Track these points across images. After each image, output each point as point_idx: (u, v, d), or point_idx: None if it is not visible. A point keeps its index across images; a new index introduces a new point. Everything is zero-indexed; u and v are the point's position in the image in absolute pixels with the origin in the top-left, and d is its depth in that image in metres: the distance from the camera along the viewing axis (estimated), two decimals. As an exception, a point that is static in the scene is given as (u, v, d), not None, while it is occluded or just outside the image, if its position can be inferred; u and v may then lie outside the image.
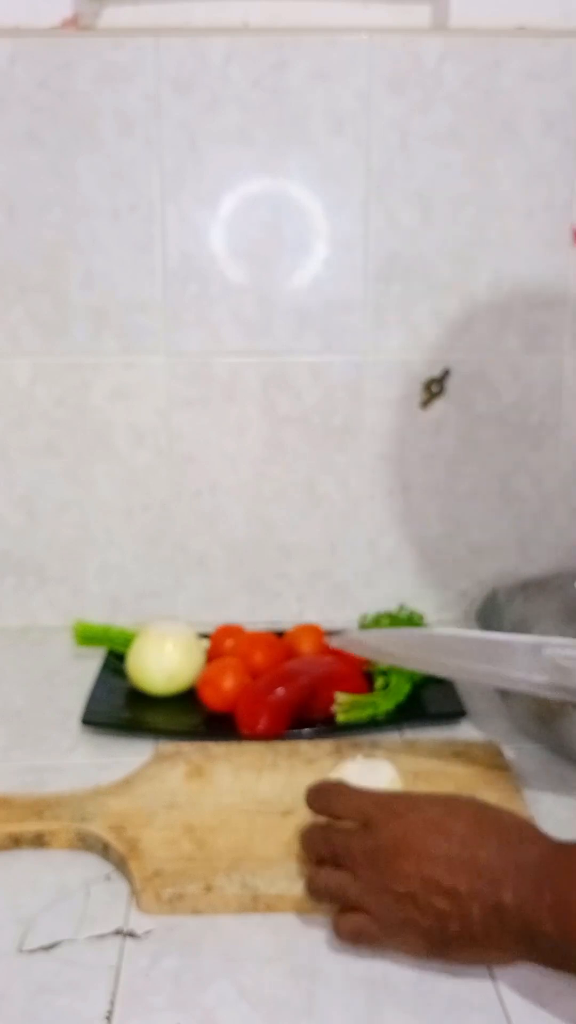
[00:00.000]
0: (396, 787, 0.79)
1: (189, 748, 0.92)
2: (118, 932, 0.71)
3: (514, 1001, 0.65)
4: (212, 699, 1.01)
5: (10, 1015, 0.64)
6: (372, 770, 0.81)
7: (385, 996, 0.65)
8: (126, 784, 0.86)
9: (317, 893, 0.70)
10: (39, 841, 0.80)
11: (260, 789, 0.86)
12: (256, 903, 0.72)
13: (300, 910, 0.72)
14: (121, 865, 0.77)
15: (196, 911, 0.72)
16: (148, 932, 0.71)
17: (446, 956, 0.66)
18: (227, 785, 0.87)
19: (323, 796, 0.74)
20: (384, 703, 1.00)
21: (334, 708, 0.99)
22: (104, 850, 0.79)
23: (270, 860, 0.76)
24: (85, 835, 0.80)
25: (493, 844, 0.65)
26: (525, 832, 0.67)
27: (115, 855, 0.78)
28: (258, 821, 0.81)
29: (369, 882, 0.67)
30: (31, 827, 0.80)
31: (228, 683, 1.01)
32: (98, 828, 0.80)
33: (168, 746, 0.92)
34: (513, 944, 0.63)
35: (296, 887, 0.73)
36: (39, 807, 0.83)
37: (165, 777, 0.88)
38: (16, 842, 0.80)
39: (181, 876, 0.74)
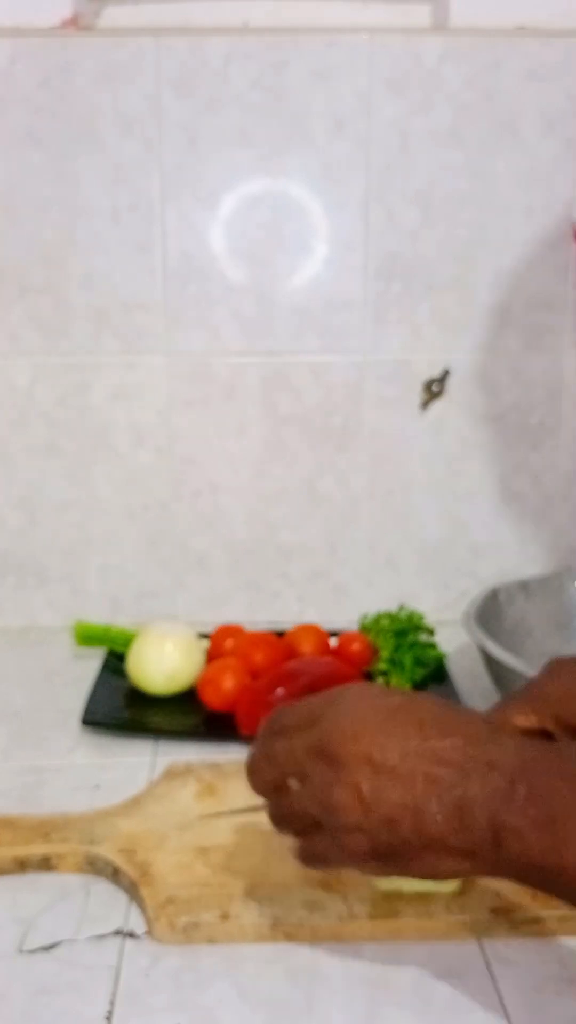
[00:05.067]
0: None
1: (200, 765, 0.90)
2: (118, 932, 0.71)
3: (514, 1001, 0.65)
4: (212, 699, 1.01)
5: (10, 1015, 0.64)
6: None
7: (385, 996, 0.65)
8: (135, 804, 0.84)
9: (275, 822, 0.65)
10: (46, 864, 0.77)
11: None
12: (275, 932, 0.70)
13: (320, 939, 0.70)
14: (132, 891, 0.74)
15: (212, 940, 0.70)
16: (147, 932, 0.71)
17: (395, 865, 0.60)
18: (240, 804, 0.82)
19: (281, 715, 0.66)
20: (384, 703, 1.00)
21: (334, 708, 0.99)
22: (114, 875, 0.76)
23: (288, 885, 0.73)
24: (94, 859, 0.77)
25: (458, 738, 0.58)
26: (498, 731, 0.60)
27: (126, 880, 0.75)
28: (273, 843, 0.78)
29: (315, 782, 0.60)
30: (38, 850, 0.78)
31: (228, 683, 1.01)
32: (107, 851, 0.77)
33: (178, 763, 0.90)
34: (474, 847, 0.57)
35: (315, 915, 0.70)
36: (46, 828, 0.80)
37: (176, 796, 0.85)
38: (22, 866, 0.77)
39: (196, 903, 0.71)
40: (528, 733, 0.69)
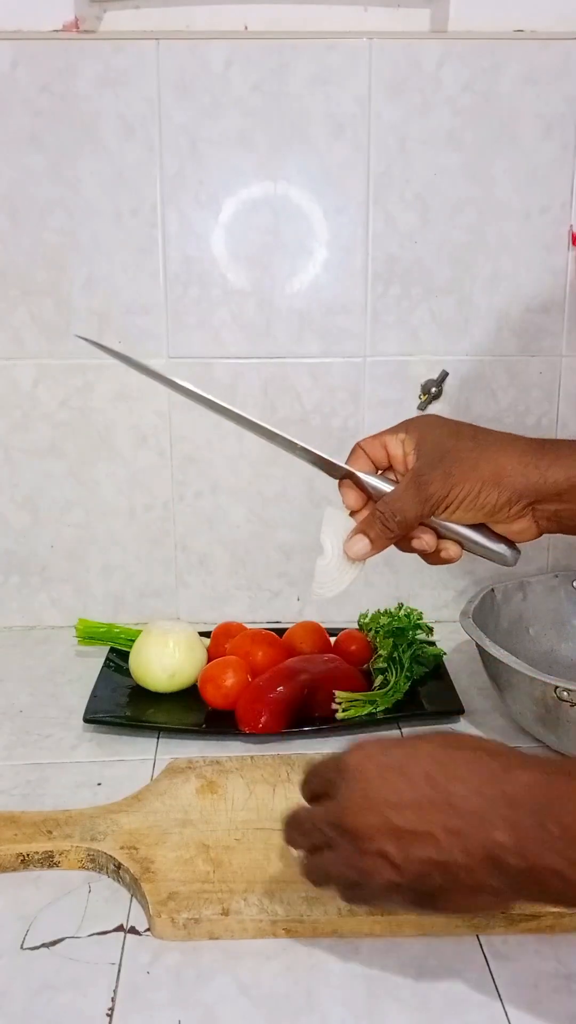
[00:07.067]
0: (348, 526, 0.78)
1: (201, 762, 0.91)
2: (120, 928, 0.72)
3: (512, 996, 0.66)
4: (213, 697, 1.02)
5: (12, 1012, 0.65)
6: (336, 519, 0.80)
7: (384, 991, 0.66)
8: (137, 800, 0.85)
9: (314, 883, 0.66)
10: (49, 861, 0.79)
11: (275, 805, 0.84)
12: (275, 928, 0.71)
13: (320, 934, 0.71)
14: (134, 887, 0.75)
15: (212, 936, 0.71)
16: (149, 928, 0.72)
17: (435, 908, 0.61)
18: (241, 801, 0.85)
19: (304, 785, 0.68)
20: (383, 701, 1.01)
21: (334, 706, 1.00)
22: (116, 871, 0.77)
23: (287, 881, 0.74)
24: (96, 855, 0.78)
25: (470, 779, 0.59)
26: (511, 759, 0.60)
27: (127, 876, 0.76)
28: (274, 839, 0.79)
29: (345, 851, 0.62)
30: (40, 846, 0.79)
31: (229, 681, 1.01)
32: (109, 848, 0.78)
33: (179, 760, 0.91)
34: (513, 887, 0.57)
35: (315, 910, 0.71)
36: (48, 825, 0.81)
37: (177, 792, 0.86)
38: (24, 862, 0.78)
39: (197, 899, 0.72)
40: (391, 458, 0.78)
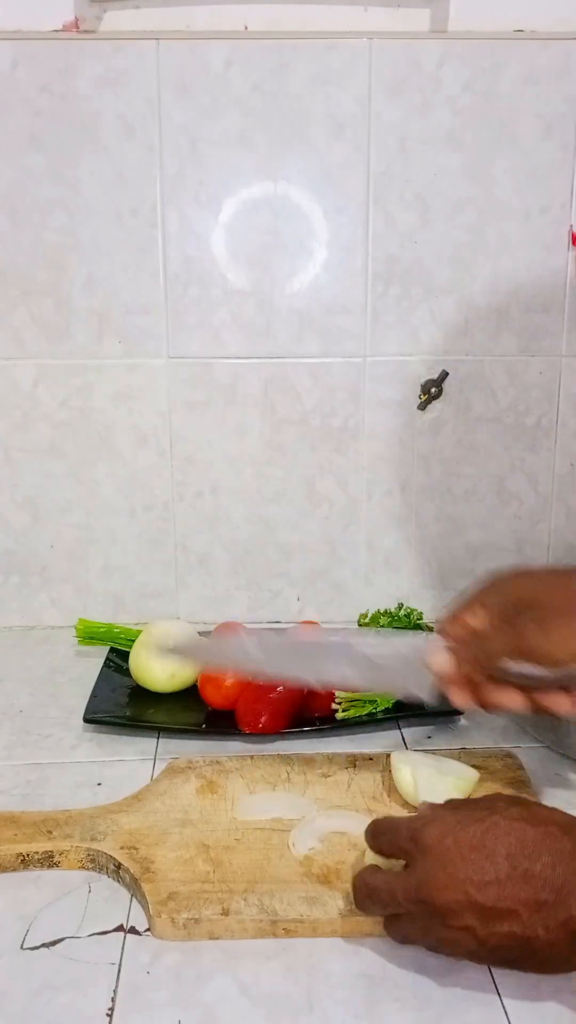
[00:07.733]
0: None
1: (201, 762, 0.91)
2: (120, 928, 0.72)
3: (512, 996, 0.66)
4: (213, 697, 1.02)
5: (12, 1012, 0.65)
6: None
7: (384, 992, 0.66)
8: (137, 800, 0.85)
9: (394, 938, 0.67)
10: (49, 861, 0.78)
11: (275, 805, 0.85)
12: (275, 928, 0.71)
13: (320, 934, 0.71)
14: (134, 887, 0.75)
15: (212, 935, 0.71)
16: (149, 928, 0.72)
17: (515, 969, 0.64)
18: (241, 801, 0.85)
19: (373, 836, 0.70)
20: (383, 701, 1.01)
21: (333, 706, 1.00)
22: (116, 871, 0.77)
23: (287, 881, 0.74)
24: (96, 855, 0.78)
25: (547, 857, 0.61)
26: None
27: (127, 876, 0.76)
28: (274, 839, 0.79)
29: (426, 923, 0.64)
30: (40, 846, 0.79)
31: (229, 680, 1.01)
32: (109, 848, 0.78)
33: (179, 760, 0.91)
34: None
35: (315, 910, 0.71)
36: (48, 825, 0.81)
37: (177, 792, 0.86)
38: (25, 862, 0.78)
39: (197, 899, 0.72)
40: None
